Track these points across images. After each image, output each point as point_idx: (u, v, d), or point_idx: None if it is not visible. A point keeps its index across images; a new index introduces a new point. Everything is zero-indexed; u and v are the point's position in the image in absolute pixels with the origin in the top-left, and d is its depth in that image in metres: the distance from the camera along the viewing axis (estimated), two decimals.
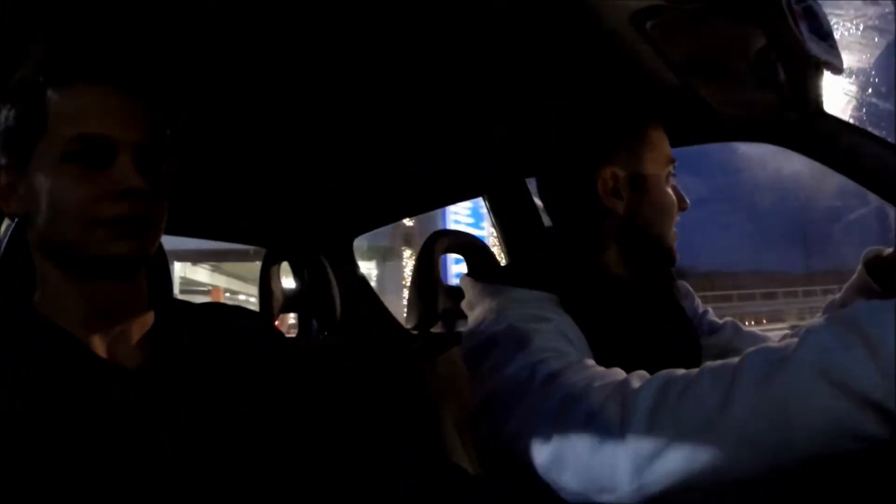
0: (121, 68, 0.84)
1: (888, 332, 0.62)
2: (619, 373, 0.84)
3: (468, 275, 1.16)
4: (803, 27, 0.93)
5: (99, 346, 0.82)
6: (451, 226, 12.81)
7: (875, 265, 1.13)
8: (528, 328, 0.94)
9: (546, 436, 0.82)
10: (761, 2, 0.92)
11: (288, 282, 2.34)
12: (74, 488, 0.72)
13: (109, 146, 0.79)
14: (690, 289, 1.37)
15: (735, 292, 24.24)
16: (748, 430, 0.67)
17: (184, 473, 0.78)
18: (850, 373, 0.62)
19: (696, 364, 0.87)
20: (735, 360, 0.73)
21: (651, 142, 1.11)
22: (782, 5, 0.91)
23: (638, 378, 0.80)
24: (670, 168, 1.12)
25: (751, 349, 0.73)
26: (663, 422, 0.72)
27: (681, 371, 0.77)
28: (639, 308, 1.08)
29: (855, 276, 1.15)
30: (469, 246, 1.57)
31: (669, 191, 1.12)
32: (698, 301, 1.37)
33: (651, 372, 0.82)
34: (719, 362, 0.75)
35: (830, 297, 1.22)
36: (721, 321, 1.34)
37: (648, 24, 1.00)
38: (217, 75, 1.13)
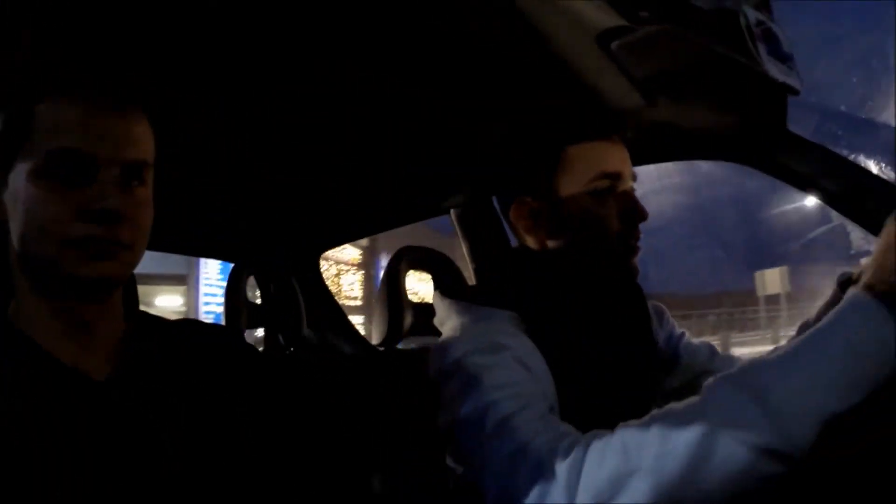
0: (109, 84, 0.82)
1: (776, 386, 0.73)
2: (567, 428, 0.87)
3: (438, 291, 1.17)
4: (762, 49, 0.94)
5: (69, 357, 0.80)
6: (203, 287, 14.64)
7: (848, 286, 1.14)
8: (482, 363, 0.94)
9: (497, 484, 0.87)
10: (721, 24, 0.93)
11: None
12: (34, 495, 0.70)
13: (89, 163, 0.77)
14: (665, 310, 1.36)
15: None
16: (673, 490, 0.74)
17: (149, 484, 0.77)
18: (747, 430, 0.72)
19: (651, 383, 1.06)
20: (651, 420, 0.79)
21: (568, 163, 1.09)
22: (741, 27, 0.93)
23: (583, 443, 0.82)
24: (603, 183, 1.08)
25: (659, 411, 0.81)
26: (596, 484, 0.77)
27: (615, 436, 0.81)
28: (598, 328, 1.08)
29: (829, 297, 1.16)
30: (435, 262, 1.56)
31: (601, 207, 1.08)
32: (674, 322, 1.37)
33: (607, 392, 0.93)
34: (634, 426, 0.80)
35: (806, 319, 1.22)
36: (697, 343, 1.35)
37: (614, 45, 1.00)
38: (183, 89, 1.11)
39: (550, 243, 1.12)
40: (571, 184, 1.08)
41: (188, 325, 0.98)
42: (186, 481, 0.80)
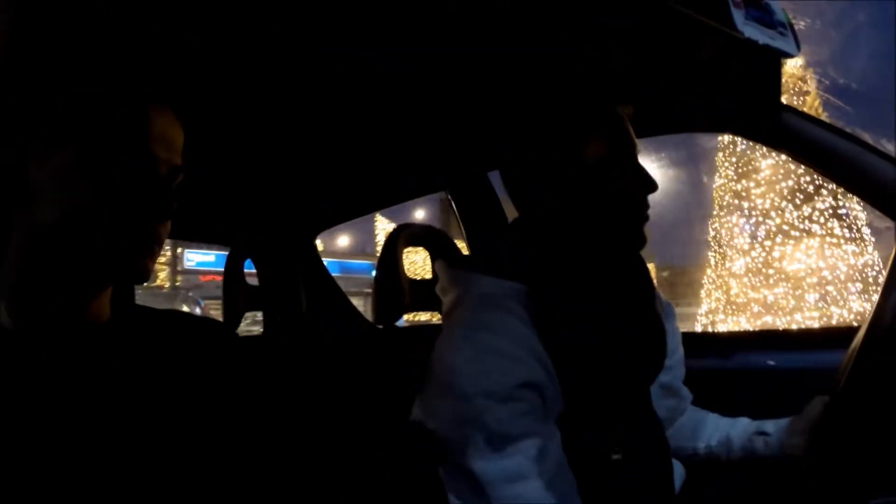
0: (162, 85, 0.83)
1: None
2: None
3: (442, 260, 1.16)
4: (740, 12, 0.92)
5: (47, 349, 0.77)
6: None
7: None
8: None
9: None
10: None
11: None
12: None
13: (151, 159, 0.78)
14: (674, 309, 1.31)
15: None
16: None
17: (114, 478, 0.74)
18: None
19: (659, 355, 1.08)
20: None
21: (576, 128, 1.06)
22: None
23: None
24: (613, 151, 1.05)
25: None
26: None
27: None
28: (608, 299, 1.06)
29: None
30: (432, 238, 1.56)
31: (613, 175, 1.05)
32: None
33: (617, 366, 0.99)
34: None
35: None
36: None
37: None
38: (178, 72, 1.11)
39: (560, 211, 1.08)
40: (581, 149, 1.05)
41: (175, 317, 0.95)
42: (154, 479, 0.77)
